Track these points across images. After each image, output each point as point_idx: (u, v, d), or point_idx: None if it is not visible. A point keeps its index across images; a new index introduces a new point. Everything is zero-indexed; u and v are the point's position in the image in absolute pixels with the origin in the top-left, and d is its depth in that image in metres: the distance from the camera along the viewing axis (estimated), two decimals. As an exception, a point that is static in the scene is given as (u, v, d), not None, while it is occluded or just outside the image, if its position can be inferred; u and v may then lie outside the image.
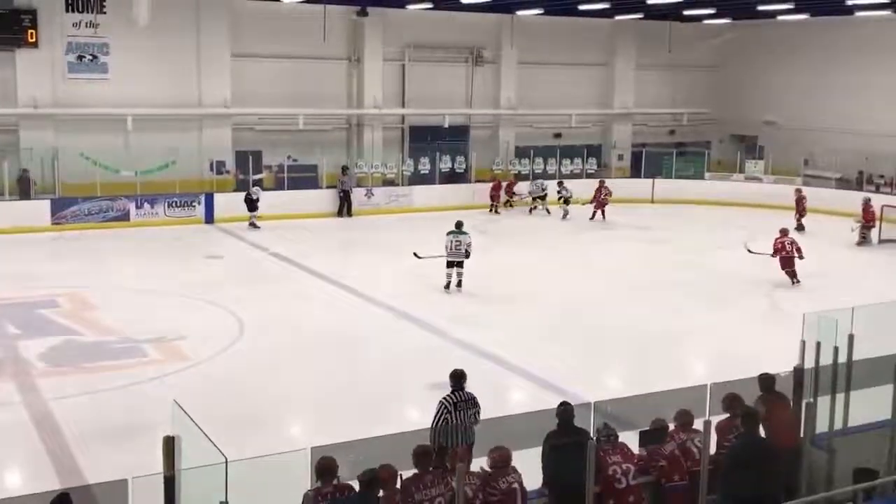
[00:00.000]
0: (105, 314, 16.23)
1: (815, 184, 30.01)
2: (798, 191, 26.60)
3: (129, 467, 6.18)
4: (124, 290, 18.09)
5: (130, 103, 25.88)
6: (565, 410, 7.69)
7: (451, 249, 17.92)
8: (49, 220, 23.91)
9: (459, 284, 18.14)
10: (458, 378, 9.03)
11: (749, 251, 19.61)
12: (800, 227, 25.06)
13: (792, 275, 19.14)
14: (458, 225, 18.40)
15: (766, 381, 8.42)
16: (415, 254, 18.88)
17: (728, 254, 22.23)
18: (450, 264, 17.97)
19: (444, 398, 8.88)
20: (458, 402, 8.83)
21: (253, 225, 24.91)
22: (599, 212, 27.35)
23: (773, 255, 19.24)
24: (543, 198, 28.51)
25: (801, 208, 25.96)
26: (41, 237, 23.04)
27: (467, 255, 17.90)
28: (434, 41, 30.80)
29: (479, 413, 8.84)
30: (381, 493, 6.61)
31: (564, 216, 27.17)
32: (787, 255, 19.12)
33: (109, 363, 13.65)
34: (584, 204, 27.23)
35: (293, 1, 27.07)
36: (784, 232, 19.58)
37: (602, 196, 27.39)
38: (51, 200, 24.32)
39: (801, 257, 19.06)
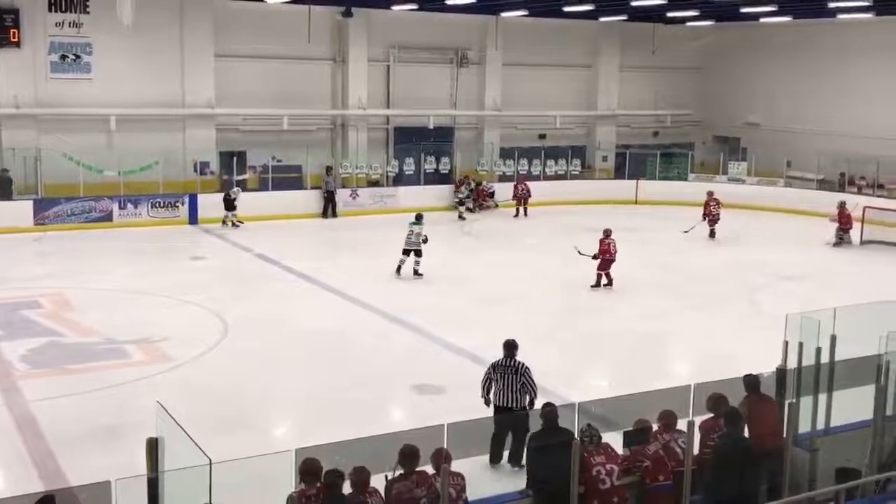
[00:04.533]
0: (88, 315, 16.15)
1: (797, 185, 30.31)
2: (710, 193, 25.18)
3: (113, 469, 6.15)
4: (107, 291, 18.00)
5: (114, 103, 25.75)
6: (550, 411, 7.72)
7: (407, 239, 19.39)
8: (32, 221, 23.76)
9: (416, 273, 19.30)
10: (507, 346, 10.32)
11: (579, 253, 18.62)
12: (712, 234, 24.49)
13: (608, 276, 18.63)
14: (418, 217, 19.87)
15: (751, 381, 8.47)
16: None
17: (711, 255, 22.37)
18: (405, 252, 19.35)
19: (492, 362, 10.29)
20: (498, 366, 10.16)
21: (230, 224, 24.98)
22: (521, 209, 28.47)
23: (594, 257, 18.56)
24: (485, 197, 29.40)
25: (708, 212, 24.54)
26: (23, 238, 22.89)
27: (425, 241, 19.29)
28: (419, 42, 30.79)
29: (529, 383, 10.01)
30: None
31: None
32: (610, 258, 18.56)
33: (92, 364, 13.58)
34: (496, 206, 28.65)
35: (277, 1, 27.01)
36: (608, 233, 18.84)
37: (520, 192, 28.54)
38: (33, 201, 24.16)
39: (615, 260, 18.61)
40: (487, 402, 10.20)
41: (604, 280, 18.71)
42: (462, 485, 7.00)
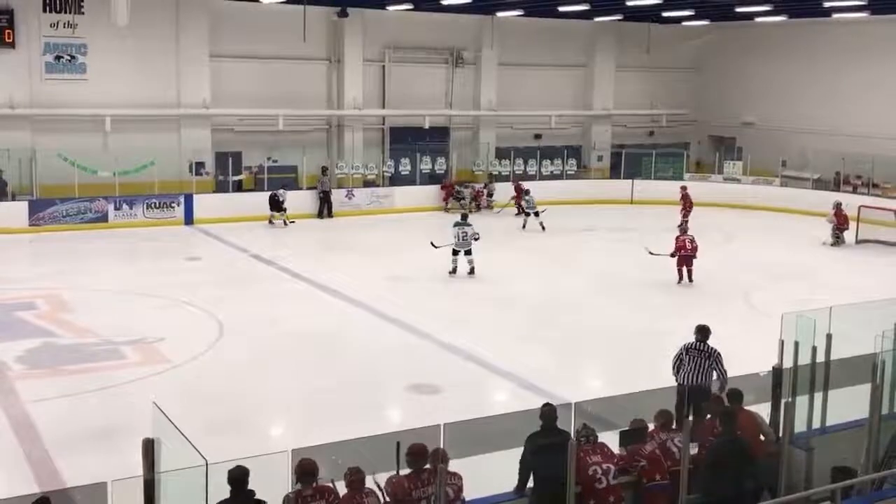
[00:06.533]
0: (83, 316, 16.11)
1: (792, 184, 30.34)
2: (683, 188, 26.82)
3: (109, 471, 6.15)
4: (103, 291, 17.97)
5: (109, 104, 25.72)
6: (548, 411, 7.66)
7: (459, 239, 19.46)
8: (27, 222, 23.72)
9: (472, 272, 19.43)
10: (700, 331, 10.69)
11: (650, 253, 19.39)
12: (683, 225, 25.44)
13: (689, 273, 19.10)
14: (464, 217, 20.34)
15: (735, 394, 8.47)
16: (431, 243, 19.89)
17: (706, 254, 22.31)
18: (455, 252, 19.47)
19: (685, 343, 10.68)
20: (692, 349, 10.57)
21: (280, 223, 25.47)
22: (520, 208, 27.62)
23: (672, 255, 19.09)
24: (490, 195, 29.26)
25: (686, 206, 25.92)
26: (19, 238, 22.86)
27: (475, 239, 19.53)
28: (414, 42, 30.80)
29: (719, 369, 10.30)
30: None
31: (528, 226, 25.86)
32: (686, 254, 19.02)
33: (88, 365, 13.56)
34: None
35: (272, 1, 26.99)
36: (684, 229, 19.77)
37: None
38: (28, 202, 24.12)
39: (695, 256, 19.03)
40: (677, 380, 10.58)
41: (685, 277, 19.13)
42: (459, 484, 7.00)
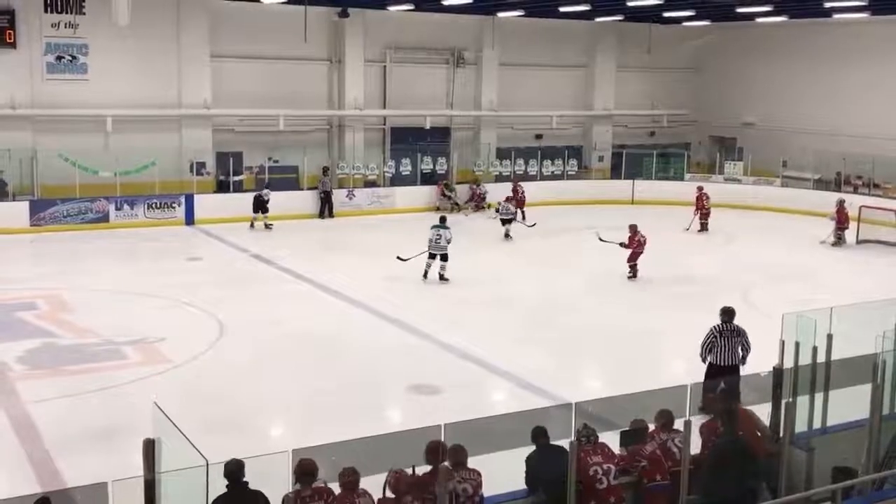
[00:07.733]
0: (84, 316, 16.11)
1: (793, 185, 30.33)
2: (699, 188, 26.54)
3: (110, 471, 6.15)
4: (104, 291, 17.97)
5: (110, 104, 25.71)
6: (537, 432, 7.57)
7: (432, 243, 18.91)
8: (28, 222, 23.73)
9: (442, 277, 18.90)
10: (727, 313, 11.58)
11: (600, 239, 19.95)
12: (704, 228, 25.57)
13: (635, 268, 19.64)
14: (442, 220, 19.65)
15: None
16: (398, 257, 19.25)
17: (707, 254, 22.39)
18: (431, 255, 18.93)
19: (714, 326, 11.54)
20: (724, 331, 11.45)
21: (264, 226, 25.08)
22: (520, 211, 26.26)
23: (624, 245, 19.61)
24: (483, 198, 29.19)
25: (700, 206, 25.75)
26: (20, 238, 22.87)
27: (448, 242, 18.89)
28: (415, 42, 30.80)
29: (746, 343, 11.39)
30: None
31: (506, 235, 24.41)
32: (639, 250, 19.59)
33: (89, 366, 13.56)
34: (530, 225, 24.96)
35: (273, 1, 26.99)
36: (635, 228, 19.81)
37: (520, 195, 27.10)
38: (29, 202, 24.13)
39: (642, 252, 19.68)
40: (704, 360, 11.53)
41: (632, 271, 19.66)
42: (479, 480, 6.99)
